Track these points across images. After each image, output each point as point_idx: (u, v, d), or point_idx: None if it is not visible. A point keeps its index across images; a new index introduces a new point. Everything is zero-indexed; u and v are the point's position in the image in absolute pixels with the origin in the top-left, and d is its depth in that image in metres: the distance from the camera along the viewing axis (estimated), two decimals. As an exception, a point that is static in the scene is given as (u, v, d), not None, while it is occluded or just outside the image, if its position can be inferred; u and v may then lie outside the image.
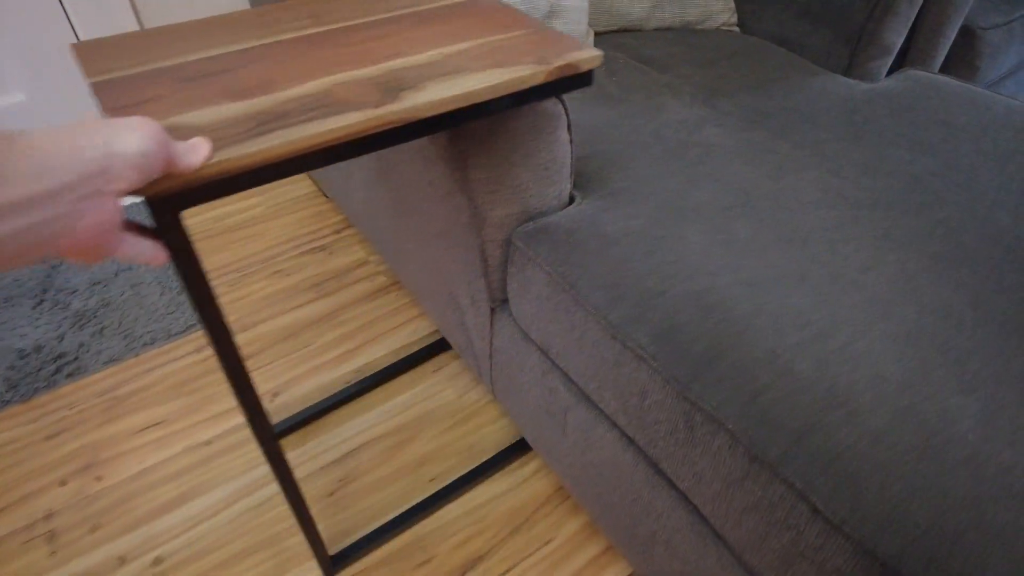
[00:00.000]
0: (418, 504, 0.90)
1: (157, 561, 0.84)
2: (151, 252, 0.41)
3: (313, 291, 1.21)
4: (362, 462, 0.95)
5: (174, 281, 1.22)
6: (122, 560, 0.84)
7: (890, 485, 0.44)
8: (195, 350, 1.11)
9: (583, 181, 0.76)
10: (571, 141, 0.70)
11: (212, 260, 1.28)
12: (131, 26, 1.29)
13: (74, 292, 1.19)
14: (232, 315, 1.16)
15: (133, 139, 0.33)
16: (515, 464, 0.96)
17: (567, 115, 0.68)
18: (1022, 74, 1.48)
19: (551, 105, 0.65)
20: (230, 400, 1.03)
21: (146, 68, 0.52)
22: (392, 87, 0.49)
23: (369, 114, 0.45)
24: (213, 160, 0.40)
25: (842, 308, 0.58)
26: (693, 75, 0.98)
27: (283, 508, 0.89)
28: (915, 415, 0.49)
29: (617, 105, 0.90)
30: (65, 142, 0.30)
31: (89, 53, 0.54)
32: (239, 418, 1.01)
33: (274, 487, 0.92)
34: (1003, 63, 1.27)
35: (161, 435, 0.98)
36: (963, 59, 1.22)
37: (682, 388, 0.53)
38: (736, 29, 1.14)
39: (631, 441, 0.63)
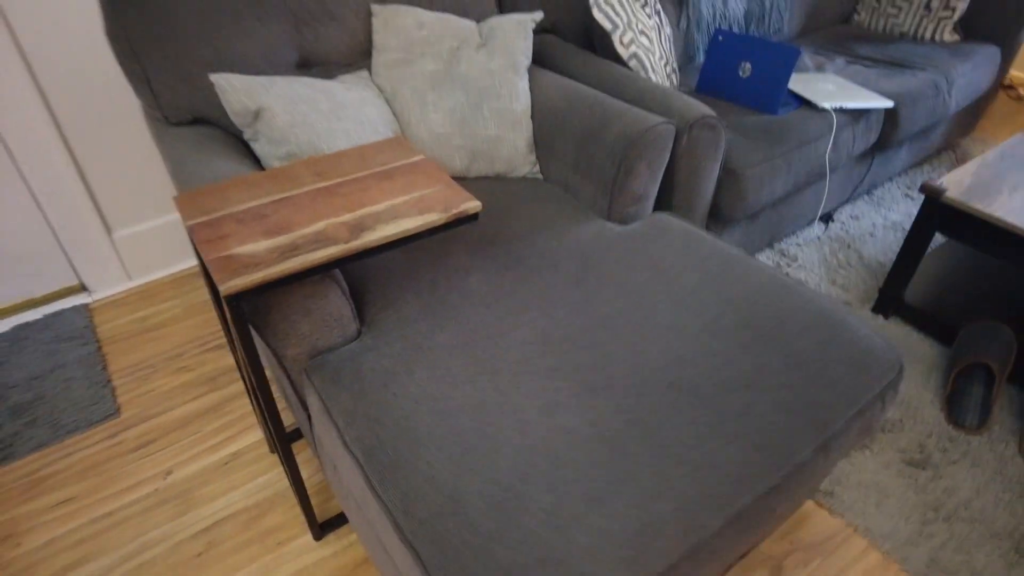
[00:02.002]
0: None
1: (54, 611, 1.09)
2: None
3: (207, 385, 1.49)
4: (224, 531, 1.22)
5: (99, 376, 1.50)
6: (27, 610, 1.09)
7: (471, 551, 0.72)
8: (108, 435, 1.39)
9: (373, 314, 1.05)
10: (347, 299, 1.00)
11: (131, 357, 1.56)
12: (66, 158, 1.60)
13: (14, 387, 1.47)
14: (137, 408, 1.44)
15: None
16: (344, 529, 1.22)
17: (338, 283, 0.98)
18: (799, 197, 1.80)
19: (321, 280, 0.95)
20: (130, 479, 1.30)
21: (215, 215, 0.91)
22: (357, 229, 0.88)
23: (343, 247, 0.85)
24: (258, 275, 0.78)
25: (497, 427, 0.86)
26: (484, 223, 1.28)
27: (156, 570, 1.15)
28: (503, 509, 0.76)
29: (417, 251, 1.20)
30: None
31: (184, 205, 0.93)
32: (136, 493, 1.27)
33: (152, 552, 1.18)
34: (770, 192, 1.58)
35: (71, 509, 1.25)
36: (732, 191, 1.53)
37: (374, 486, 0.81)
38: (540, 176, 1.45)
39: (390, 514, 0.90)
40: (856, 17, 2.46)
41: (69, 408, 1.43)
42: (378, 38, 1.41)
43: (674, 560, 0.75)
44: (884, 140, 1.90)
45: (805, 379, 0.95)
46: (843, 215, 2.09)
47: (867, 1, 2.41)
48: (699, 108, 1.34)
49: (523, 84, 1.40)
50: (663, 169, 1.33)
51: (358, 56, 1.44)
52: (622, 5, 1.54)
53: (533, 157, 1.44)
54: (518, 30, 1.40)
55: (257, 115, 1.17)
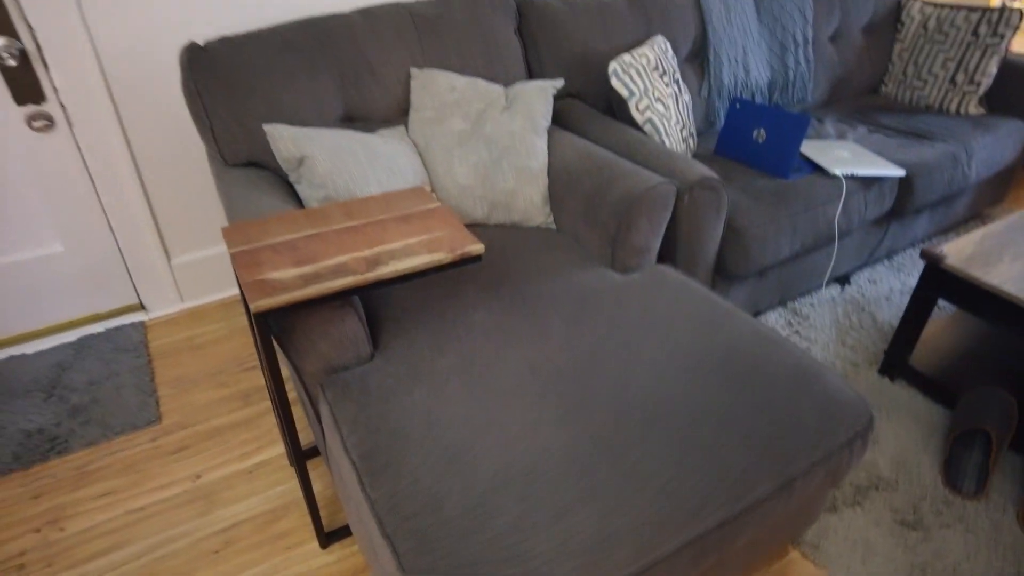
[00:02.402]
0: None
1: (86, 590, 1.22)
2: None
3: (241, 400, 1.64)
4: (242, 531, 1.33)
5: (147, 386, 1.67)
6: (63, 587, 1.23)
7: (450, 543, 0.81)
8: (150, 439, 1.54)
9: (386, 340, 1.18)
10: (363, 324, 1.13)
11: (176, 371, 1.73)
12: (138, 190, 1.81)
13: (75, 390, 1.65)
14: (177, 416, 1.59)
15: None
16: (349, 540, 1.32)
17: (355, 309, 1.11)
18: (809, 258, 1.86)
19: (340, 306, 1.08)
20: (164, 479, 1.44)
21: (255, 246, 1.07)
22: (373, 263, 1.02)
23: (359, 278, 0.99)
24: (284, 298, 0.92)
25: (481, 441, 0.96)
26: (495, 265, 1.40)
27: (178, 561, 1.27)
28: (476, 513, 0.86)
29: (432, 287, 1.33)
30: None
31: (229, 235, 1.09)
32: (169, 492, 1.41)
33: (175, 545, 1.30)
34: (776, 251, 1.66)
35: (110, 501, 1.39)
36: (736, 249, 1.61)
37: (364, 486, 0.92)
38: (553, 227, 1.58)
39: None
40: (883, 88, 2.55)
41: (119, 412, 1.59)
42: (415, 98, 1.59)
43: (626, 574, 0.82)
44: (900, 207, 1.95)
45: (773, 422, 1.01)
46: (861, 278, 2.13)
47: (894, 73, 2.50)
48: (700, 170, 1.45)
49: (541, 143, 1.54)
50: (665, 225, 1.44)
51: (397, 113, 1.61)
52: (639, 75, 1.68)
53: (548, 209, 1.57)
54: (539, 95, 1.56)
55: (301, 161, 1.34)
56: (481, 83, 1.61)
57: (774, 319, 1.94)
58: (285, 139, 1.33)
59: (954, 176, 2.02)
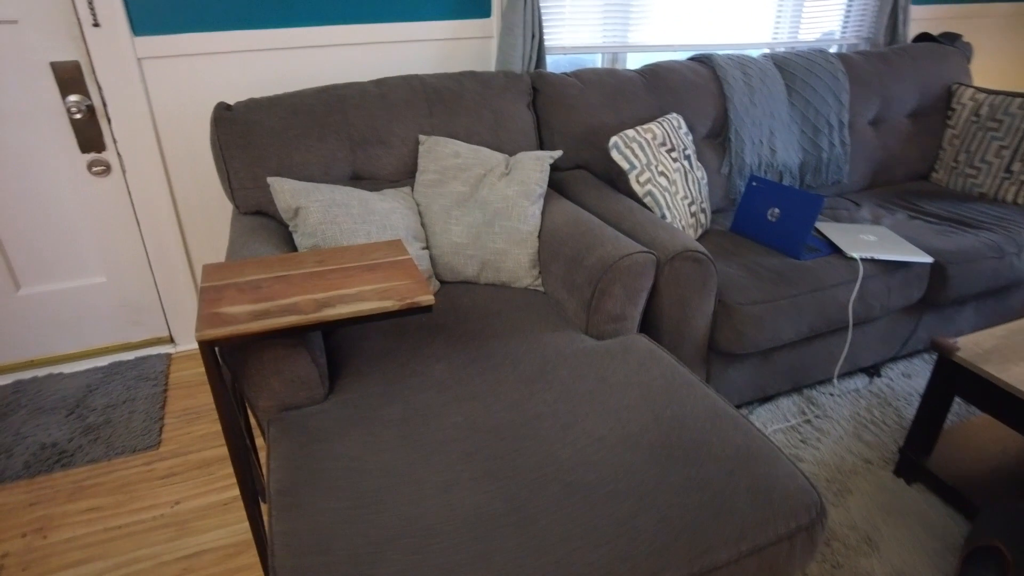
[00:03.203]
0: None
1: (48, 598, 1.29)
2: None
3: (234, 434, 1.71)
4: (203, 560, 1.37)
5: (156, 413, 1.78)
6: (30, 593, 1.30)
7: None
8: (145, 463, 1.63)
9: (343, 383, 1.22)
10: (315, 366, 1.18)
11: (186, 402, 1.84)
12: (177, 234, 1.99)
13: (93, 410, 1.78)
14: (175, 444, 1.68)
15: None
16: None
17: (309, 351, 1.16)
18: (823, 344, 1.76)
19: (293, 345, 1.14)
20: (147, 501, 1.51)
21: (225, 282, 1.16)
22: (323, 304, 1.07)
23: (302, 317, 1.04)
24: (227, 330, 0.98)
25: (392, 493, 0.96)
26: (471, 321, 1.43)
27: (136, 580, 1.32)
28: (360, 561, 0.86)
29: (403, 338, 1.37)
30: None
31: (207, 275, 1.18)
32: (146, 515, 1.48)
33: (139, 566, 1.35)
34: (775, 333, 1.58)
35: (92, 517, 1.47)
36: (727, 326, 1.55)
37: (272, 519, 0.94)
38: (541, 289, 1.59)
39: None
40: (934, 175, 2.43)
41: (125, 434, 1.70)
42: (421, 162, 1.68)
43: (497, 642, 0.79)
44: (932, 296, 1.83)
45: (701, 504, 0.96)
46: (893, 371, 1.99)
47: (945, 160, 2.39)
48: (684, 242, 1.43)
49: (533, 208, 1.59)
50: (643, 295, 1.42)
51: (404, 174, 1.72)
52: (642, 149, 1.71)
53: (536, 271, 1.59)
54: (535, 164, 1.61)
55: (296, 212, 1.45)
56: (484, 151, 1.69)
57: (786, 406, 1.83)
58: (284, 191, 1.44)
59: (999, 268, 1.87)
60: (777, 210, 1.80)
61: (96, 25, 1.63)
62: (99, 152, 1.78)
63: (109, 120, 1.74)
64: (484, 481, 1.00)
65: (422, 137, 1.70)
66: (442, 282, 1.64)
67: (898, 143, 2.34)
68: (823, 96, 2.17)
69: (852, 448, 1.67)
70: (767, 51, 2.36)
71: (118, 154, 1.80)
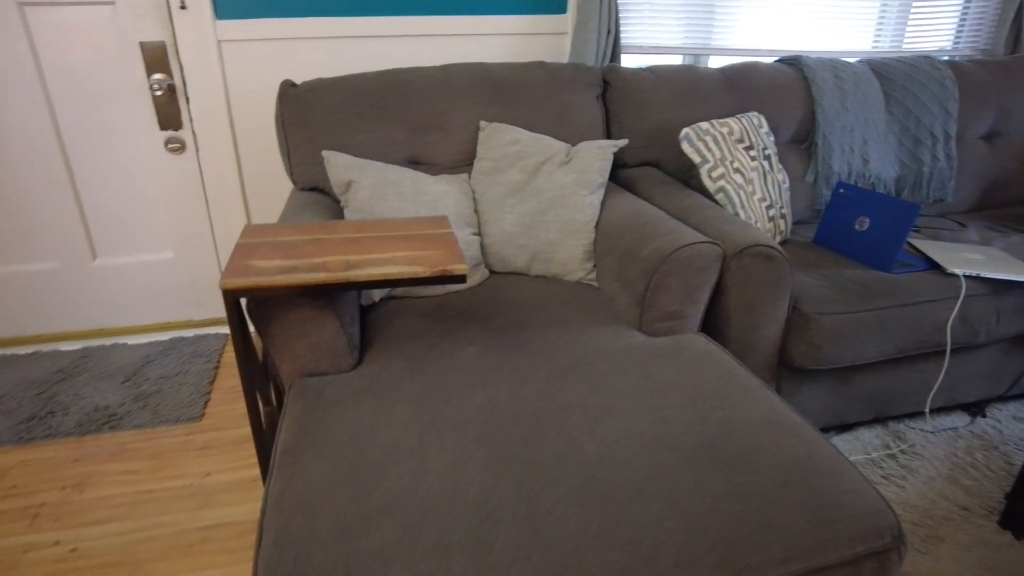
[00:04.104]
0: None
1: (73, 550, 1.29)
2: None
3: (273, 413, 1.69)
4: (220, 533, 1.34)
5: (204, 388, 1.80)
6: (57, 543, 1.30)
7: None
8: (184, 434, 1.63)
9: (372, 357, 1.16)
10: (344, 333, 1.13)
11: (234, 382, 1.85)
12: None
13: (147, 380, 1.82)
14: (215, 419, 1.68)
15: None
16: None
17: (337, 316, 1.11)
18: (913, 369, 1.53)
19: (320, 307, 1.09)
20: (179, 470, 1.51)
21: (261, 240, 1.15)
22: (352, 266, 1.04)
23: (330, 275, 1.01)
24: (252, 280, 0.97)
25: (395, 466, 0.89)
26: (512, 310, 1.34)
27: (156, 546, 1.30)
28: (346, 528, 0.78)
29: (440, 320, 1.30)
30: None
31: (246, 233, 1.18)
32: (177, 483, 1.47)
33: (161, 531, 1.34)
34: (857, 350, 1.39)
35: (127, 478, 1.48)
36: (801, 336, 1.38)
37: (271, 475, 0.88)
38: (595, 284, 1.49)
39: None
40: (1061, 201, 2.14)
41: (171, 405, 1.72)
42: (480, 149, 1.63)
43: (486, 637, 0.68)
44: (1053, 329, 1.58)
45: (743, 514, 0.82)
46: (1003, 412, 1.72)
47: (1075, 185, 2.10)
48: (755, 236, 1.30)
49: (591, 199, 1.49)
50: (704, 292, 1.29)
51: (462, 162, 1.67)
52: (717, 143, 1.59)
53: (589, 265, 1.49)
54: (598, 153, 1.52)
55: (348, 186, 1.42)
56: (545, 139, 1.62)
57: (867, 438, 1.62)
58: (338, 165, 1.43)
59: None
60: (866, 219, 1.61)
61: (183, 8, 1.71)
62: (176, 130, 1.85)
63: (188, 99, 1.81)
64: (496, 465, 0.90)
65: (482, 123, 1.65)
66: (491, 272, 1.57)
67: (1015, 161, 2.09)
68: (927, 105, 1.97)
69: (945, 492, 1.44)
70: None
71: (193, 132, 1.86)
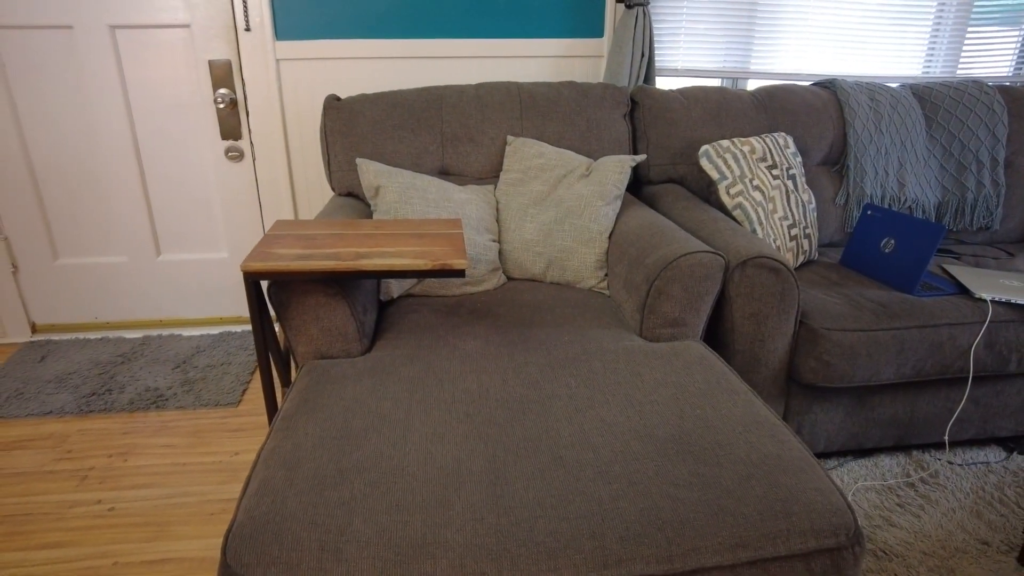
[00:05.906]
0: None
1: (111, 509, 1.42)
2: None
3: (302, 402, 1.80)
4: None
5: (245, 378, 1.93)
6: (99, 502, 1.44)
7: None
8: (221, 416, 1.77)
9: (381, 345, 1.25)
10: (355, 320, 1.22)
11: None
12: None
13: (195, 367, 1.98)
14: (251, 405, 1.81)
15: None
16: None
17: (349, 304, 1.21)
18: (936, 395, 1.47)
19: (333, 295, 1.19)
20: (213, 447, 1.63)
21: (287, 232, 1.27)
22: (361, 256, 1.14)
23: (340, 264, 1.11)
24: (269, 264, 1.08)
25: (377, 434, 0.96)
26: (522, 311, 1.40)
27: (182, 512, 1.42)
28: (323, 482, 0.85)
29: (450, 316, 1.37)
30: None
31: (275, 226, 1.31)
32: (209, 458, 1.59)
33: (188, 499, 1.45)
34: (872, 370, 1.35)
35: (166, 451, 1.61)
36: (809, 352, 1.36)
37: (270, 435, 0.97)
38: (606, 292, 1.52)
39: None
40: None
41: (213, 391, 1.86)
42: (507, 162, 1.72)
43: (431, 586, 0.74)
44: (1098, 363, 1.49)
45: (699, 501, 0.84)
46: (1043, 452, 1.63)
47: None
48: (760, 248, 1.31)
49: (606, 210, 1.55)
50: (706, 301, 1.31)
51: (490, 173, 1.76)
52: (736, 161, 1.61)
53: (601, 273, 1.53)
54: (616, 166, 1.58)
55: (377, 191, 1.53)
56: (569, 153, 1.69)
57: (887, 465, 1.56)
58: (369, 171, 1.54)
59: None
60: (892, 240, 1.59)
61: (247, 29, 1.89)
62: (236, 140, 2.04)
63: (247, 112, 1.99)
64: (473, 440, 0.95)
65: (510, 138, 1.74)
66: (509, 278, 1.64)
67: (1074, 190, 1.99)
68: (972, 129, 1.92)
69: (966, 525, 1.38)
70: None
71: (251, 143, 2.04)
